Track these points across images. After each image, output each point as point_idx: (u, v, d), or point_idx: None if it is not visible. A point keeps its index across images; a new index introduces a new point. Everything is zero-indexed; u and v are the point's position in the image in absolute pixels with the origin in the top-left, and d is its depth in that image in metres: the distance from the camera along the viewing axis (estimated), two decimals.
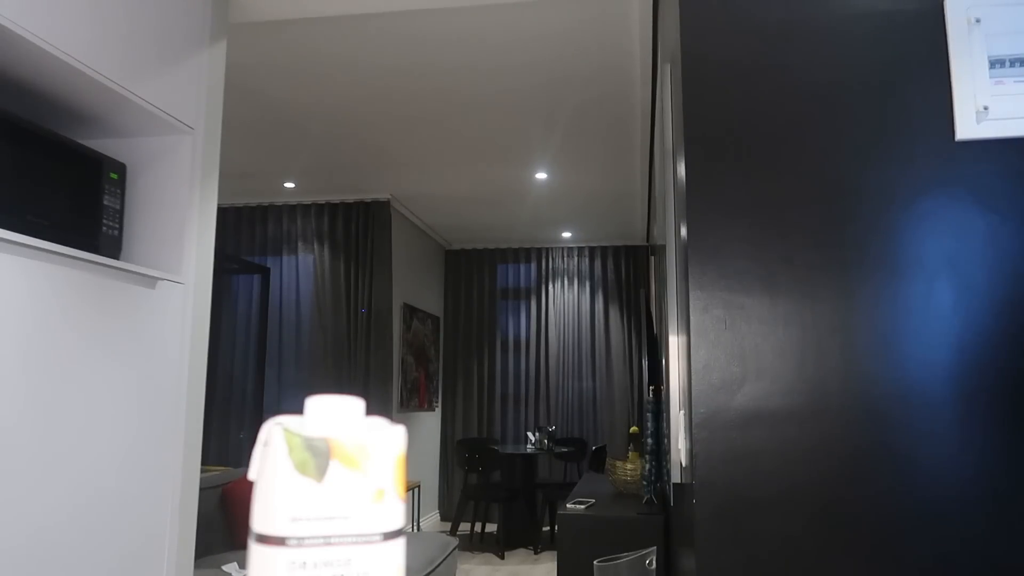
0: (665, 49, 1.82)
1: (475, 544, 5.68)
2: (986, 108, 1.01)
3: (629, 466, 3.19)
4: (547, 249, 7.05)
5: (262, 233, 5.66)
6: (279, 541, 0.35)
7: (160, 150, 1.78)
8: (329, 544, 0.35)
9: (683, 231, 1.13)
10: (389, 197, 5.50)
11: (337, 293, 5.43)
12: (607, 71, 3.44)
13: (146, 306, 1.62)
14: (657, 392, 2.85)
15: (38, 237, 1.35)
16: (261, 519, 0.35)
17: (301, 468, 0.35)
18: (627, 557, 2.11)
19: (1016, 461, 0.94)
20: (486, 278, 7.07)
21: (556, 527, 3.57)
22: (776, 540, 0.98)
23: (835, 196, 1.04)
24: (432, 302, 6.78)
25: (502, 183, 5.21)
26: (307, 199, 5.60)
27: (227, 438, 5.21)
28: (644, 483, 2.90)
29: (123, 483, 1.53)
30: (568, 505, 2.82)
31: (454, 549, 3.72)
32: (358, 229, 5.48)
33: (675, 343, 1.30)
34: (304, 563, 0.35)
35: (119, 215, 1.61)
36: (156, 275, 1.65)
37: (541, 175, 5.02)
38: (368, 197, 5.49)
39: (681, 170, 1.13)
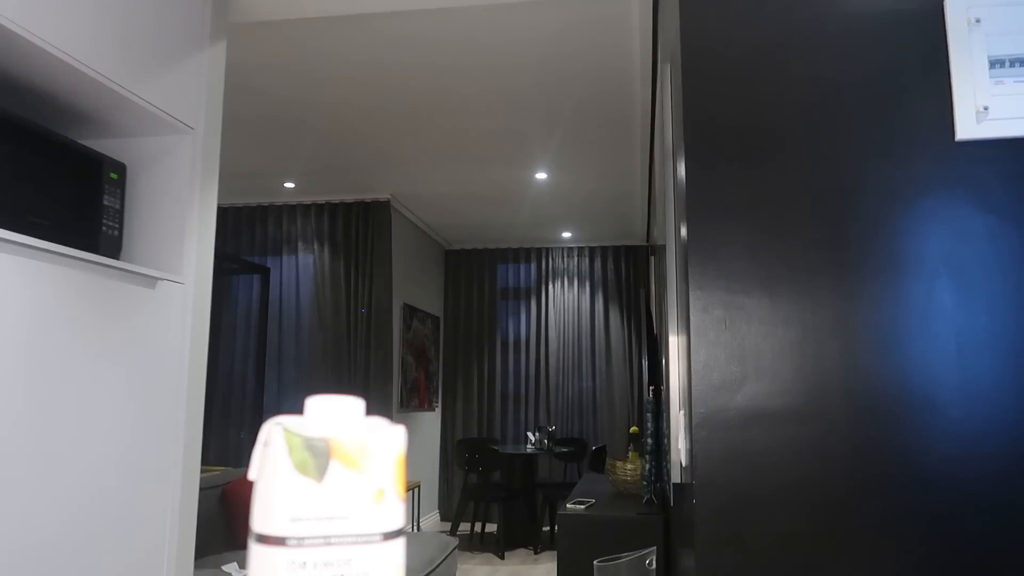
0: (665, 49, 1.82)
1: (475, 544, 5.68)
2: (986, 108, 1.01)
3: (629, 466, 3.19)
4: (547, 249, 7.05)
5: (262, 233, 5.66)
6: (279, 541, 0.35)
7: (160, 150, 1.78)
8: (329, 544, 0.35)
9: (683, 231, 1.13)
10: (389, 197, 5.50)
11: (337, 293, 5.43)
12: (607, 71, 3.44)
13: (146, 306, 1.62)
14: (657, 392, 2.85)
15: (38, 237, 1.35)
16: (261, 519, 0.35)
17: (301, 468, 0.35)
18: (627, 557, 2.11)
19: (1017, 460, 0.94)
20: (486, 278, 7.07)
21: (556, 527, 3.57)
22: (776, 540, 0.98)
23: (835, 196, 1.04)
24: (432, 302, 6.78)
25: (502, 183, 5.21)
26: (307, 199, 5.60)
27: (227, 438, 5.21)
28: (644, 483, 2.90)
29: (123, 483, 1.53)
30: (568, 505, 2.82)
31: (454, 549, 3.72)
32: (358, 229, 5.48)
33: (675, 343, 1.30)
34: (304, 563, 0.35)
35: (119, 215, 1.61)
36: (156, 275, 1.65)
37: (541, 175, 5.02)
38: (368, 197, 5.49)
39: (681, 170, 1.13)
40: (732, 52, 1.10)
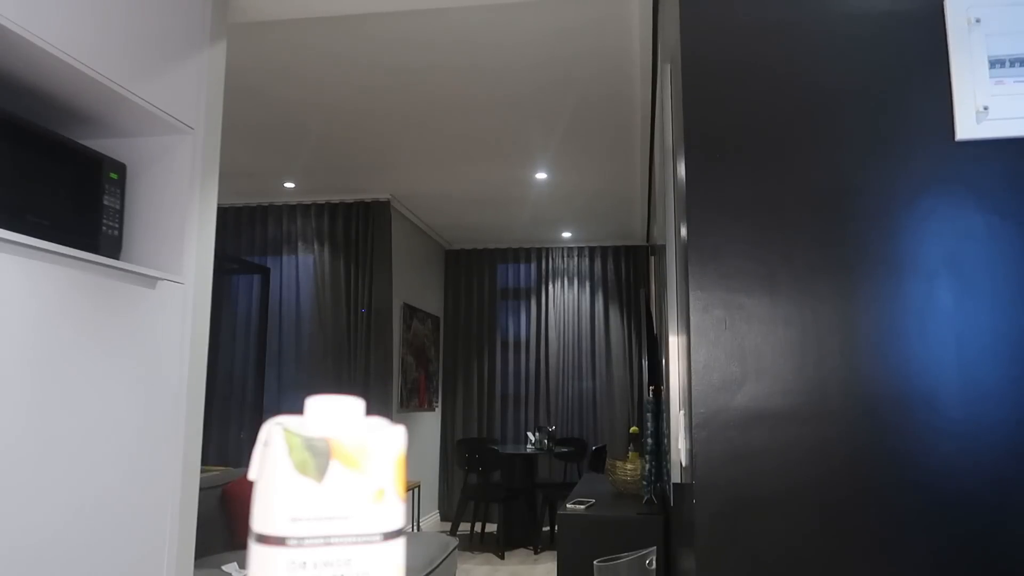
0: (665, 49, 1.82)
1: (475, 544, 5.68)
2: (986, 108, 1.01)
3: (629, 466, 3.19)
4: (547, 249, 7.05)
5: (262, 233, 5.66)
6: (279, 541, 0.35)
7: (160, 150, 1.78)
8: (329, 544, 0.35)
9: (683, 231, 1.13)
10: (389, 197, 5.50)
11: (337, 293, 5.43)
12: (607, 71, 3.44)
13: (146, 306, 1.62)
14: (657, 392, 2.85)
15: (38, 237, 1.35)
16: (261, 519, 0.35)
17: (301, 468, 0.35)
18: (627, 557, 2.11)
19: (1017, 460, 0.94)
20: (486, 278, 7.07)
21: (556, 527, 3.57)
22: (776, 540, 0.98)
23: (835, 196, 1.04)
24: (432, 302, 6.78)
25: (502, 183, 5.21)
26: (307, 199, 5.60)
27: (227, 438, 5.21)
28: (644, 483, 2.90)
29: (123, 483, 1.53)
30: (568, 505, 2.82)
31: (454, 549, 3.72)
32: (358, 229, 5.48)
33: (675, 343, 1.30)
34: (304, 563, 0.35)
35: (119, 215, 1.61)
36: (156, 275, 1.65)
37: (541, 175, 5.02)
38: (368, 197, 5.49)
39: (681, 170, 1.13)
40: (732, 52, 1.10)
